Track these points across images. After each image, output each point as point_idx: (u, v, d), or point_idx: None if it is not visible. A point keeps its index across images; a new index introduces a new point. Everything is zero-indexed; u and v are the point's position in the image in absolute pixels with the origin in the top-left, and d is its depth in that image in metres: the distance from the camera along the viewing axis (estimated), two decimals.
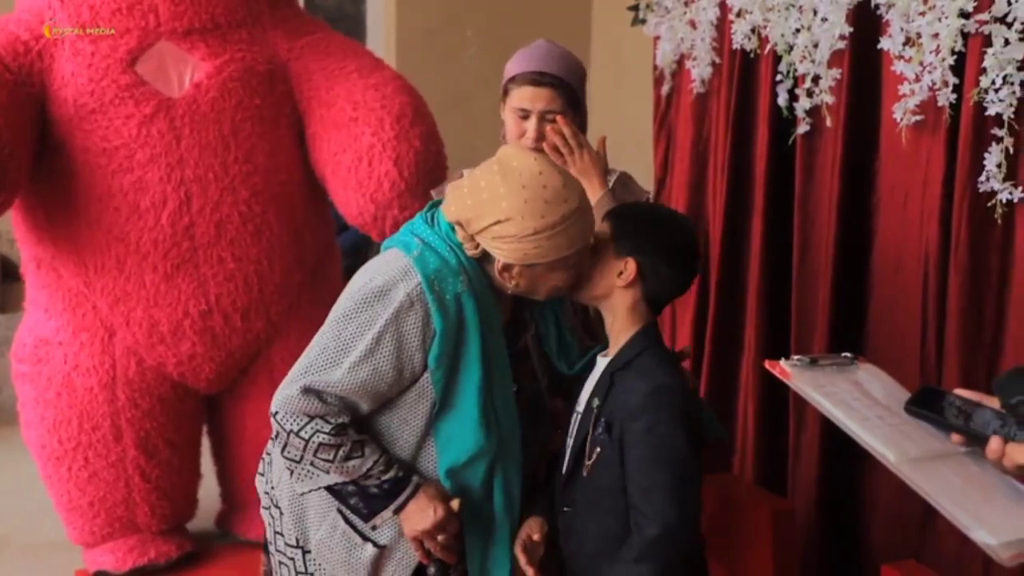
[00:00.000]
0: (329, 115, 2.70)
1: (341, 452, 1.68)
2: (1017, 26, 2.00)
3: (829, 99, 2.45)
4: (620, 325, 1.75)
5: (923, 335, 2.32)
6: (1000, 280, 2.14)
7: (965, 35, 2.11)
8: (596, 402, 1.70)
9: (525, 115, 2.02)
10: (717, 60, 2.87)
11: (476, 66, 4.64)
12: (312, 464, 1.70)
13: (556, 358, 1.86)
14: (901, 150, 2.31)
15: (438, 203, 1.77)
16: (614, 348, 1.75)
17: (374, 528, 1.75)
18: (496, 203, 1.61)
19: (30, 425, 2.88)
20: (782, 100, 2.60)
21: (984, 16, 2.05)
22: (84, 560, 2.97)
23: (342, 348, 1.67)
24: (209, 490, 3.22)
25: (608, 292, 1.74)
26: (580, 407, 1.77)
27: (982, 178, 2.10)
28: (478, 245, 1.66)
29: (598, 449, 1.67)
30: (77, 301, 2.75)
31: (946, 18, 2.12)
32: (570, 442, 1.77)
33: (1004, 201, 2.07)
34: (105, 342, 2.75)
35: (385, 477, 1.70)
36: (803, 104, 2.52)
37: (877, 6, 2.32)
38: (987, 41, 2.05)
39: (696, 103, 2.99)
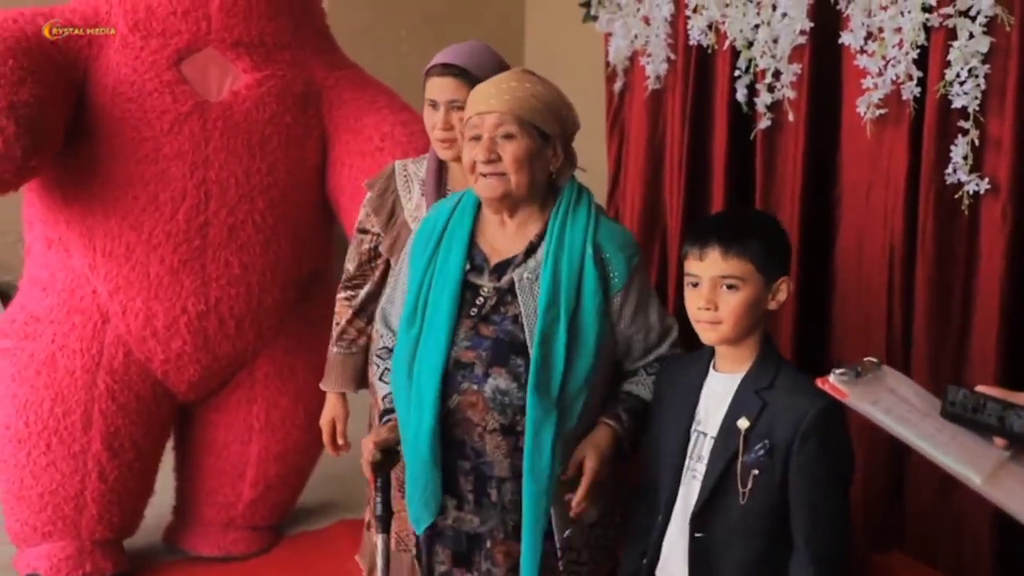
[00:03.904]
0: (355, 142, 2.81)
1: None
2: (980, 19, 2.04)
3: (791, 94, 2.47)
4: (750, 340, 1.69)
5: (888, 326, 2.34)
6: (967, 271, 2.18)
7: (928, 29, 2.15)
8: (744, 423, 1.63)
9: (435, 105, 2.06)
10: (672, 56, 2.87)
11: (409, 64, 4.56)
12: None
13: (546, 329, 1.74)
14: (864, 144, 2.34)
15: None
16: (736, 363, 1.69)
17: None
18: None
19: None
20: (741, 95, 2.61)
21: (948, 10, 2.08)
22: (15, 562, 2.88)
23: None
24: (155, 507, 3.12)
25: (760, 320, 1.68)
26: (708, 429, 1.69)
27: (948, 170, 2.13)
28: None
29: (755, 472, 1.61)
30: (78, 283, 2.77)
31: (909, 12, 2.16)
32: (700, 468, 1.68)
33: (971, 192, 2.11)
34: (98, 327, 2.76)
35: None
36: (764, 99, 2.53)
37: (837, 1, 2.34)
38: (951, 34, 2.09)
39: (651, 99, 2.99)
